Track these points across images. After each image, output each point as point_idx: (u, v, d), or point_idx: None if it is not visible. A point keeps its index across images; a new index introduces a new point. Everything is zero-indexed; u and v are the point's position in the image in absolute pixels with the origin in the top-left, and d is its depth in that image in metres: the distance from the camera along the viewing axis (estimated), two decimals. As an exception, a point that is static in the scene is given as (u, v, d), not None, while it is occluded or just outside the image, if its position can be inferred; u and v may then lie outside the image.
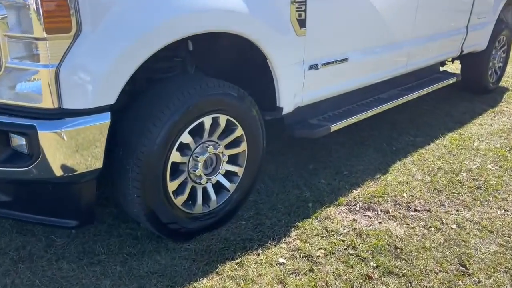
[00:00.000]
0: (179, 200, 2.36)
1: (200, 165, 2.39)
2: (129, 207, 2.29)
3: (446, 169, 3.39)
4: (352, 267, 2.30)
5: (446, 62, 5.27)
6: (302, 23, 2.66)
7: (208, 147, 2.41)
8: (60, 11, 1.76)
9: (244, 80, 2.87)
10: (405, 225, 2.68)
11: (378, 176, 3.29)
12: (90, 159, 1.97)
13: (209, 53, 2.76)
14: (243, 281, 2.19)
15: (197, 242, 2.46)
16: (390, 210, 2.83)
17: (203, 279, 2.19)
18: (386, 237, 2.55)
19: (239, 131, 2.55)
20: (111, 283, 2.14)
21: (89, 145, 1.93)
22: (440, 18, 4.20)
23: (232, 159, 2.60)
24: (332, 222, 2.69)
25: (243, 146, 2.60)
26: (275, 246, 2.46)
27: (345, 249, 2.45)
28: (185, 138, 2.27)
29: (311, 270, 2.27)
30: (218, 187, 2.59)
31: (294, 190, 3.07)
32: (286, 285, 2.17)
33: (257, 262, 2.32)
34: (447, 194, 3.04)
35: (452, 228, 2.65)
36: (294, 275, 2.24)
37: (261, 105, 2.83)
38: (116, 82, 1.93)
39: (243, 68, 2.86)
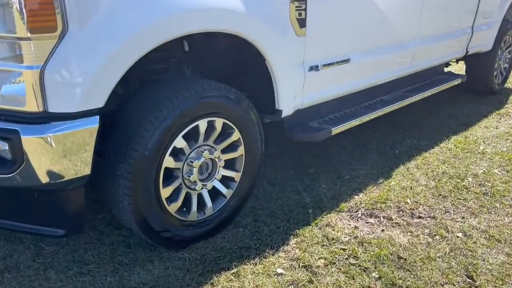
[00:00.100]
0: (172, 207, 2.26)
1: (195, 170, 2.29)
2: (120, 215, 2.20)
3: (451, 174, 3.28)
4: (354, 278, 2.20)
5: (450, 62, 5.17)
6: (302, 22, 2.55)
7: (203, 152, 2.31)
8: (44, 9, 1.66)
9: (242, 81, 2.78)
10: (408, 233, 2.58)
11: (381, 181, 3.18)
12: (78, 165, 1.87)
13: (206, 53, 2.66)
14: (239, 293, 2.09)
15: (191, 250, 2.36)
16: (393, 217, 2.73)
17: (197, 290, 2.09)
18: (389, 246, 2.44)
19: (236, 135, 2.45)
20: (100, 294, 2.05)
21: (76, 151, 1.84)
22: (445, 17, 4.09)
23: (229, 164, 2.50)
24: (333, 230, 2.59)
25: (241, 150, 2.50)
26: (273, 255, 2.36)
27: (346, 258, 2.35)
28: (179, 142, 2.18)
29: (311, 281, 2.17)
30: (214, 193, 2.49)
31: (293, 196, 2.96)
32: (284, 298, 2.07)
33: (254, 272, 2.22)
34: (452, 200, 2.93)
35: (458, 237, 2.54)
36: (292, 287, 2.14)
37: (259, 108, 2.74)
38: (105, 85, 1.83)
39: (241, 69, 2.77)
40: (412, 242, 2.48)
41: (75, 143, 1.82)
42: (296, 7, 2.49)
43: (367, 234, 2.56)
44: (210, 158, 2.37)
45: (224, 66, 2.79)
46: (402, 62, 3.67)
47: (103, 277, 2.15)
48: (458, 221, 2.69)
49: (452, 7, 4.16)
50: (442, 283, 2.19)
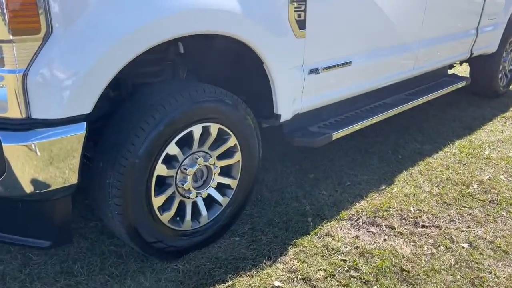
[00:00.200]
0: (165, 217, 2.16)
1: (189, 178, 2.19)
2: (110, 224, 2.10)
3: (456, 180, 3.18)
4: (354, 292, 2.10)
5: (454, 64, 5.06)
6: (301, 24, 2.46)
7: (198, 159, 2.21)
8: (27, 10, 1.57)
9: (240, 84, 2.69)
10: (412, 243, 2.48)
11: (383, 187, 3.08)
12: (64, 174, 1.77)
13: (202, 56, 2.57)
14: (233, 307, 1.99)
15: (185, 261, 2.26)
16: (395, 226, 2.63)
17: (190, 305, 1.99)
18: (392, 257, 2.34)
19: (232, 141, 2.35)
20: (88, 309, 1.96)
21: (62, 159, 1.74)
22: (450, 19, 3.99)
23: (225, 171, 2.40)
24: (333, 239, 2.49)
25: (237, 156, 2.41)
26: (270, 266, 2.26)
27: (347, 270, 2.25)
28: (172, 149, 2.08)
29: (309, 295, 2.07)
30: (209, 201, 2.39)
31: (293, 203, 2.86)
32: (281, 313, 1.97)
33: (250, 285, 2.13)
34: (457, 208, 2.82)
35: (463, 248, 2.43)
36: (290, 301, 2.05)
37: (257, 112, 2.65)
38: (92, 90, 1.73)
39: (239, 71, 2.67)
40: (415, 253, 2.38)
41: (60, 151, 1.73)
42: (295, 8, 2.40)
43: (369, 244, 2.46)
44: (205, 165, 2.27)
45: (221, 68, 2.69)
46: (405, 65, 3.57)
47: (92, 290, 2.05)
48: (463, 231, 2.59)
49: (457, 8, 4.05)
50: (447, 297, 2.09)
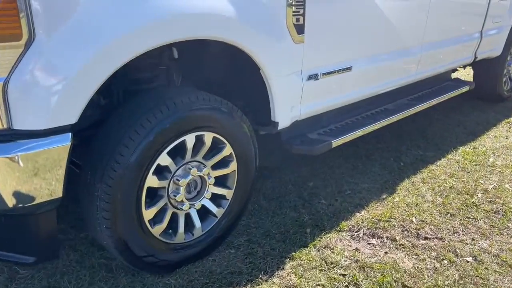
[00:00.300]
0: (156, 230, 2.08)
1: (182, 189, 2.11)
2: (99, 238, 2.01)
3: (460, 189, 3.08)
4: (354, 310, 2.01)
5: (457, 68, 4.96)
6: (300, 28, 2.37)
7: (191, 169, 2.12)
8: (7, 15, 1.49)
9: (236, 90, 2.60)
10: (414, 257, 2.38)
11: (384, 196, 2.99)
12: (48, 187, 1.69)
13: (198, 61, 2.49)
14: (227, 326, 1.90)
15: (178, 276, 2.17)
16: (397, 238, 2.53)
17: (181, 323, 1.90)
18: (393, 272, 2.25)
19: (227, 150, 2.26)
20: (75, 327, 1.87)
21: (45, 172, 1.66)
22: (453, 22, 3.90)
23: (220, 181, 2.31)
24: (332, 252, 2.39)
25: (233, 166, 2.32)
26: (266, 281, 2.17)
27: (346, 286, 2.16)
28: (164, 160, 1.99)
29: (306, 313, 1.98)
30: (203, 212, 2.30)
31: (291, 213, 2.77)
32: (277, 332, 1.88)
33: (244, 302, 2.04)
34: (461, 219, 2.73)
35: (468, 262, 2.34)
36: (286, 319, 1.96)
37: (255, 119, 2.57)
38: (78, 99, 1.65)
39: (235, 77, 2.58)
40: (418, 268, 2.29)
41: (44, 163, 1.64)
42: (294, 12, 2.31)
43: (369, 257, 2.37)
44: (199, 176, 2.18)
45: (218, 74, 2.61)
46: (407, 69, 3.47)
47: (79, 307, 1.97)
48: (467, 243, 2.49)
49: (460, 11, 3.96)
50: (451, 316, 2.00)
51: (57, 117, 1.62)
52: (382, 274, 2.22)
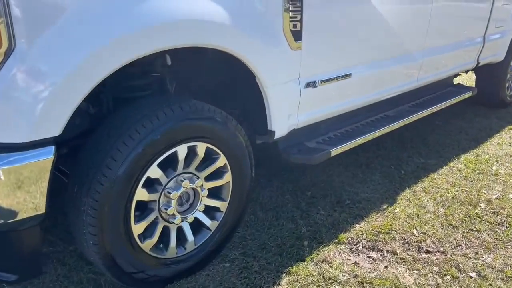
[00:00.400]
0: (147, 245, 1.99)
1: (173, 202, 2.02)
2: (86, 253, 1.93)
3: (462, 199, 2.99)
4: (352, 329, 1.92)
5: (459, 73, 4.88)
6: (297, 35, 2.29)
7: (183, 181, 2.04)
8: (-15, 22, 1.40)
9: (233, 98, 2.53)
10: (415, 271, 2.29)
11: (385, 207, 2.90)
12: (30, 203, 1.61)
13: (192, 67, 2.40)
14: None
15: (169, 292, 2.09)
16: (398, 251, 2.44)
17: None
18: (393, 288, 2.16)
19: (221, 161, 2.18)
20: None
21: (27, 187, 1.57)
22: (455, 27, 3.81)
23: (214, 193, 2.23)
24: (330, 267, 2.31)
25: (227, 177, 2.24)
26: (261, 298, 2.08)
27: (344, 303, 2.07)
28: (154, 172, 1.91)
29: (302, 333, 1.89)
30: (197, 224, 2.22)
31: (288, 224, 2.69)
32: None
33: (238, 320, 1.95)
34: (464, 232, 2.64)
35: (471, 277, 2.25)
36: None
37: (251, 127, 2.49)
38: (61, 111, 1.57)
39: (231, 85, 2.50)
40: (419, 283, 2.20)
41: (25, 177, 1.56)
42: (290, 18, 2.23)
43: (369, 272, 2.28)
44: (192, 188, 2.10)
45: (213, 81, 2.53)
46: (408, 75, 3.39)
47: (64, 326, 1.88)
48: (471, 258, 2.40)
49: (463, 15, 3.88)
50: (454, 336, 1.90)
51: (39, 129, 1.53)
52: (382, 291, 2.14)
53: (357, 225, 2.69)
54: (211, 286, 2.15)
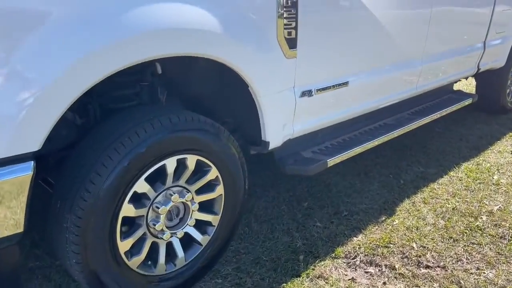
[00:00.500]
0: (134, 262, 1.91)
1: (162, 217, 1.94)
2: (70, 271, 1.84)
3: (463, 211, 2.91)
4: None
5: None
6: (292, 43, 2.21)
7: (172, 195, 1.95)
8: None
9: (225, 108, 2.45)
10: (415, 288, 2.21)
11: (383, 218, 2.81)
12: (6, 222, 1.52)
13: (183, 76, 2.33)
14: None
15: (158, 311, 2.00)
16: (396, 266, 2.36)
17: None
18: (392, 306, 2.07)
19: (213, 173, 2.10)
20: None
21: (3, 206, 1.49)
22: (455, 33, 3.73)
23: (206, 206, 2.15)
24: (326, 283, 2.22)
25: (219, 190, 2.15)
26: (254, 317, 2.00)
27: (341, 323, 1.98)
28: (141, 186, 1.83)
29: None
30: (188, 239, 2.13)
31: (283, 237, 2.60)
32: None
33: None
34: (465, 245, 2.55)
35: (472, 295, 2.17)
36: None
37: (245, 137, 2.41)
38: (39, 125, 1.48)
39: (224, 93, 2.42)
40: (418, 301, 2.12)
41: (2, 195, 1.47)
42: (285, 25, 2.15)
43: (366, 288, 2.20)
44: (182, 202, 2.02)
45: (205, 90, 2.45)
46: (407, 83, 3.31)
47: None
48: (472, 273, 2.32)
49: (463, 21, 3.80)
50: None
51: (15, 144, 1.45)
52: (379, 309, 2.05)
53: (355, 238, 2.61)
54: (202, 304, 2.07)
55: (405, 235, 2.64)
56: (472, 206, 2.98)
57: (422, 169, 3.54)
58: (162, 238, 1.98)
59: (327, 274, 2.29)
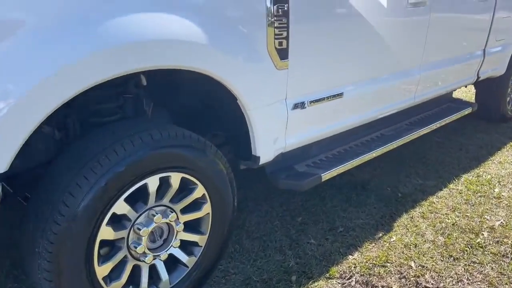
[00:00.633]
0: (113, 288, 1.79)
1: (143, 239, 1.82)
2: (44, 299, 1.72)
3: (463, 226, 2.80)
4: None
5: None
6: (283, 53, 2.10)
7: (155, 216, 1.84)
8: None
9: (215, 120, 2.34)
10: (413, 312, 2.09)
11: (380, 235, 2.70)
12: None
13: (170, 87, 2.22)
14: None
15: (139, 339, 1.88)
16: (393, 287, 2.24)
17: None
18: (389, 332, 1.96)
19: (199, 191, 1.98)
20: None
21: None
22: (454, 40, 3.63)
23: (192, 226, 2.03)
24: (320, 306, 2.10)
25: (206, 208, 2.04)
26: None
27: None
28: (120, 207, 1.71)
29: None
30: (173, 260, 2.02)
31: (276, 255, 2.48)
32: None
33: None
34: (465, 264, 2.44)
35: (474, 320, 2.05)
36: None
37: (235, 152, 2.30)
38: (5, 146, 1.37)
39: (213, 106, 2.32)
40: (417, 327, 2.00)
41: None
42: (276, 35, 2.04)
43: (362, 312, 2.08)
44: (166, 222, 1.90)
45: (193, 101, 2.35)
46: (405, 93, 3.20)
47: None
48: (473, 295, 2.20)
49: (462, 28, 3.70)
50: None
51: (-22, 167, 1.34)
52: (375, 336, 1.93)
53: (350, 256, 2.49)
54: (187, 330, 1.95)
55: (403, 253, 2.52)
56: (472, 221, 2.86)
57: (420, 181, 3.42)
58: (144, 261, 1.86)
59: (320, 297, 2.17)
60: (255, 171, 2.56)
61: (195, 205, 2.01)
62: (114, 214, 1.70)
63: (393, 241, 2.64)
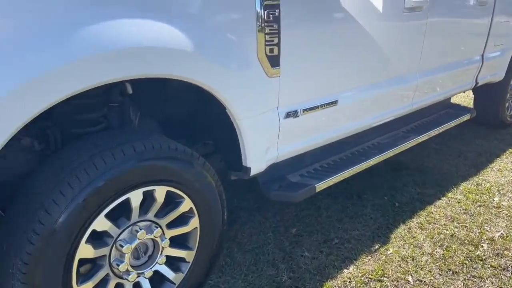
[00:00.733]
0: (94, 308, 1.69)
1: (126, 257, 1.73)
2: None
3: (462, 238, 2.71)
4: None
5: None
6: (274, 61, 2.02)
7: (138, 231, 1.75)
8: None
9: (204, 130, 2.26)
10: (410, 330, 2.00)
11: (377, 247, 2.61)
12: None
13: (157, 96, 2.13)
14: None
15: None
16: (390, 304, 2.15)
17: None
18: None
19: (186, 205, 1.90)
20: None
21: None
22: (452, 45, 3.56)
23: (179, 241, 1.94)
24: (313, 325, 2.01)
25: (194, 223, 1.95)
26: None
27: None
28: (101, 224, 1.62)
29: None
30: (159, 277, 1.92)
31: (268, 269, 2.39)
32: None
33: None
34: (465, 279, 2.35)
35: None
36: None
37: (225, 162, 2.22)
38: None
39: (202, 114, 2.23)
40: None
41: None
42: (266, 41, 1.96)
43: (357, 331, 1.99)
44: (150, 238, 1.81)
45: (182, 110, 2.26)
46: (402, 99, 3.12)
47: None
48: (473, 312, 2.11)
49: (460, 33, 3.62)
50: None
51: None
52: None
53: (345, 270, 2.40)
54: None
55: (400, 266, 2.43)
56: (472, 232, 2.77)
57: (418, 190, 3.34)
58: (127, 279, 1.77)
59: (314, 314, 2.08)
60: (248, 180, 2.48)
61: (182, 220, 1.92)
62: (94, 231, 1.61)
63: (390, 253, 2.55)
